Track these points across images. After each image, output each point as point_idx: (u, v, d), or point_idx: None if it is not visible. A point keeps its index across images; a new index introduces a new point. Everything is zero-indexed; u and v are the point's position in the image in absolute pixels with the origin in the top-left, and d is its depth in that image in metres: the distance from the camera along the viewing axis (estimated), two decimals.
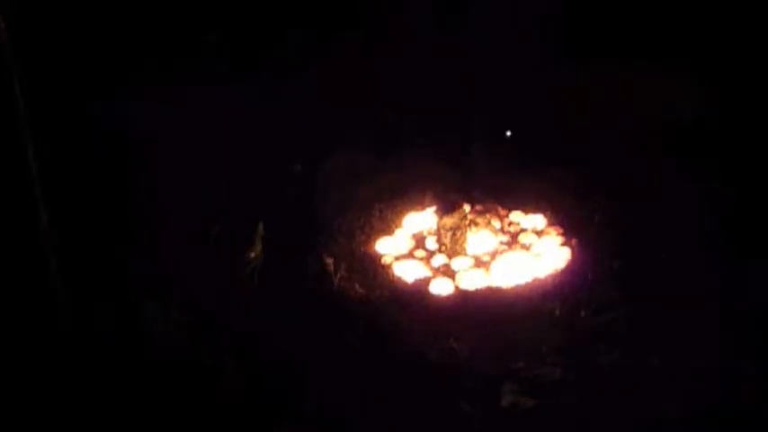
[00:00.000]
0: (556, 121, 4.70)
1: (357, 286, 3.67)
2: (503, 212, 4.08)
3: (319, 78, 4.91)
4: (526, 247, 3.90)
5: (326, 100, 4.78)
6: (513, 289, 3.65)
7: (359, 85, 4.83)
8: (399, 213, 4.15)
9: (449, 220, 3.94)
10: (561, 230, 3.96)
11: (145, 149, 4.30)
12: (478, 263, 3.80)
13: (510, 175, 4.34)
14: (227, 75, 4.82)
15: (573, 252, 3.80)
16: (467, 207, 4.04)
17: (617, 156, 4.34)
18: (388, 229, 4.07)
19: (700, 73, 4.59)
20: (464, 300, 3.61)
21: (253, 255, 3.74)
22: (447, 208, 4.06)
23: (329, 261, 3.75)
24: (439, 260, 3.83)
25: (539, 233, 3.97)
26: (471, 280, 3.69)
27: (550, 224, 4.02)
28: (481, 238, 3.89)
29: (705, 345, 3.21)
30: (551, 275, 3.70)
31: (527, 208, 4.10)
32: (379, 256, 3.88)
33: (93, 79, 4.51)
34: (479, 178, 4.33)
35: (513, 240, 3.95)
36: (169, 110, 4.51)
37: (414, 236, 4.03)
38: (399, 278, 3.75)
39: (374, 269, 3.79)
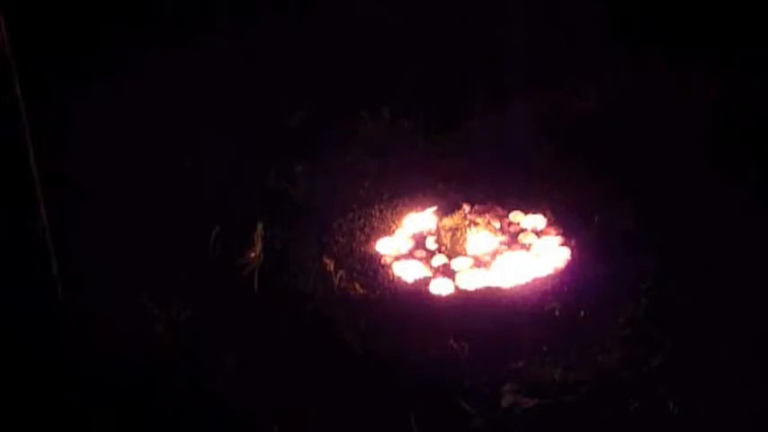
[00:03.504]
0: (558, 118, 4.72)
1: (357, 286, 3.66)
2: (503, 212, 4.07)
3: (318, 77, 4.92)
4: (526, 247, 3.89)
5: (326, 98, 4.79)
6: (513, 289, 3.64)
7: (358, 83, 4.84)
8: (399, 213, 4.15)
9: (449, 220, 3.94)
10: (561, 230, 3.96)
11: (142, 146, 4.31)
12: (478, 263, 3.79)
13: (510, 174, 4.34)
14: (225, 73, 4.83)
15: (573, 252, 3.80)
16: (467, 207, 4.04)
17: (617, 155, 4.34)
18: (388, 229, 4.07)
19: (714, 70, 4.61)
20: (464, 300, 3.60)
21: (253, 255, 3.74)
22: (447, 208, 4.07)
23: (329, 261, 3.75)
24: (439, 260, 3.83)
25: (539, 233, 3.97)
26: (471, 280, 3.69)
27: (550, 224, 4.02)
28: (481, 238, 3.89)
29: (706, 344, 3.22)
30: (551, 275, 3.69)
31: (527, 208, 4.10)
32: (379, 256, 3.88)
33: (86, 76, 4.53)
34: (479, 176, 4.33)
35: (513, 240, 3.94)
36: (167, 106, 4.52)
37: (414, 236, 4.02)
38: (399, 278, 3.74)
39: (374, 269, 3.78)
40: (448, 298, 3.63)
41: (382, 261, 3.84)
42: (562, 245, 3.86)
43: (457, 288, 3.67)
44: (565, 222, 3.99)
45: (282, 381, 3.20)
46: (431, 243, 3.96)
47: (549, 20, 5.02)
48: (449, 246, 3.88)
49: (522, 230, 4.00)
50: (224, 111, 4.63)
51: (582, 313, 3.44)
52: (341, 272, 3.71)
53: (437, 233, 3.95)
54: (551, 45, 4.89)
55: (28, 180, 2.91)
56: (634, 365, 3.18)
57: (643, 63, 4.86)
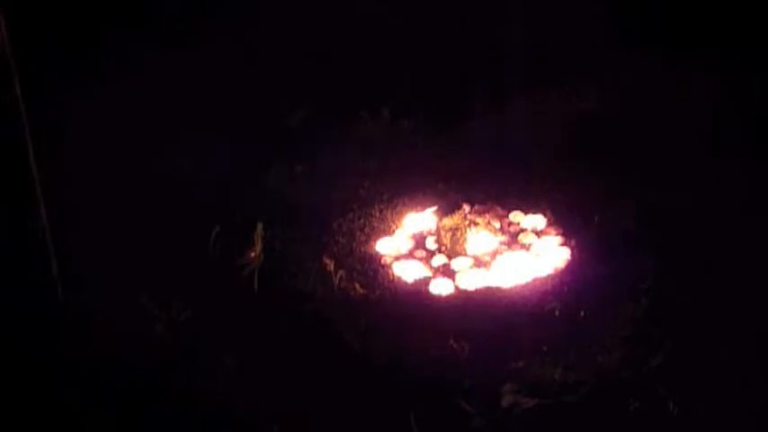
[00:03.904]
0: (558, 118, 4.72)
1: (357, 286, 3.66)
2: (503, 212, 4.08)
3: (318, 77, 4.92)
4: (526, 247, 3.89)
5: (326, 98, 4.79)
6: (513, 289, 3.64)
7: (358, 83, 4.84)
8: (399, 213, 4.15)
9: (449, 220, 3.94)
10: (561, 230, 3.96)
11: (142, 145, 4.31)
12: (478, 263, 3.79)
13: (510, 174, 4.34)
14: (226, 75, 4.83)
15: (573, 252, 3.80)
16: (467, 207, 4.04)
17: (617, 155, 4.34)
18: (388, 229, 4.07)
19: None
20: (464, 300, 3.60)
21: (253, 255, 3.74)
22: (447, 208, 4.07)
23: (329, 261, 3.75)
24: (439, 260, 3.83)
25: (539, 233, 3.97)
26: (471, 280, 3.69)
27: (550, 224, 4.02)
28: (481, 238, 3.89)
29: (706, 344, 3.22)
30: (551, 275, 3.69)
31: (527, 208, 4.10)
32: (379, 256, 3.88)
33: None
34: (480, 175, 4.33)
35: (513, 240, 3.94)
36: (167, 106, 4.52)
37: (414, 236, 4.02)
38: (399, 278, 3.74)
39: (374, 269, 3.78)
40: (448, 298, 3.63)
41: (382, 261, 3.84)
42: (562, 245, 3.86)
43: (457, 288, 3.67)
44: (565, 222, 3.99)
45: (282, 381, 3.20)
46: (431, 243, 3.96)
47: (549, 20, 5.02)
48: (449, 246, 3.88)
49: (522, 230, 4.00)
50: (224, 111, 4.63)
51: (582, 313, 3.44)
52: (341, 272, 3.71)
53: (437, 233, 3.95)
54: (551, 45, 4.89)
55: (28, 180, 2.91)
56: (634, 365, 3.18)
57: (643, 63, 4.86)
